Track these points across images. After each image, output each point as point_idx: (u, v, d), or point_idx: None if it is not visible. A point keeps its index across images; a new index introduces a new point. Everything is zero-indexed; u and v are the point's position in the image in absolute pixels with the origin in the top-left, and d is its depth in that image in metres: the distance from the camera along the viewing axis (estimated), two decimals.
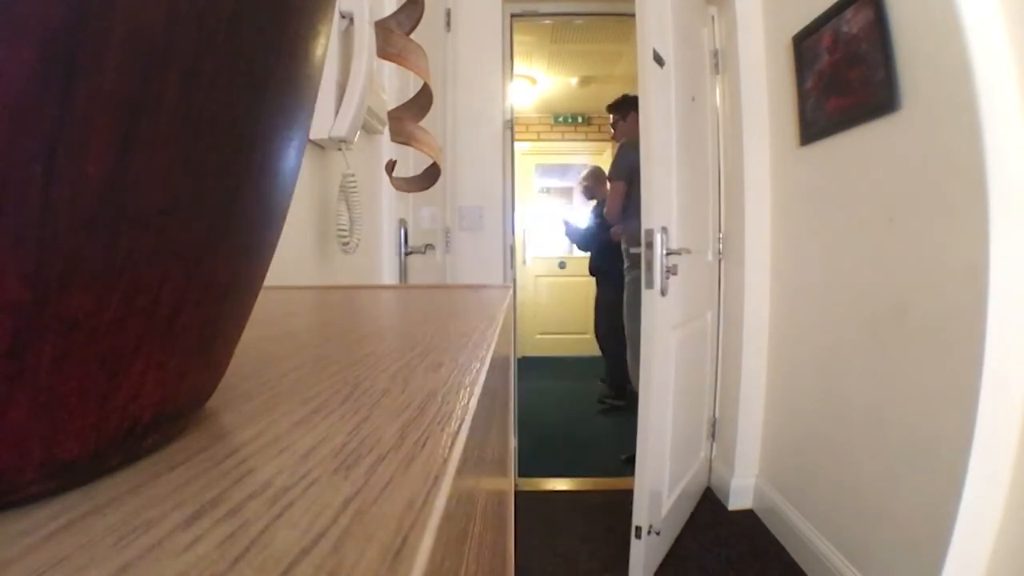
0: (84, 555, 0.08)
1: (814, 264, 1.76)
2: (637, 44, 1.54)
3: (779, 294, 1.99)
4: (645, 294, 1.54)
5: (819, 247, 1.73)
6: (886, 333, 1.41)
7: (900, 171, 1.37)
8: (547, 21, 2.76)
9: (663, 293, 1.53)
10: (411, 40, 0.30)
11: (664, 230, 1.51)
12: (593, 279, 3.24)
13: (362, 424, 0.14)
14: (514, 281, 2.18)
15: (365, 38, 0.83)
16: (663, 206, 1.59)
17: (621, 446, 2.25)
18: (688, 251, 1.76)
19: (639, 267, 1.76)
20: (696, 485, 2.09)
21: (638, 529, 1.54)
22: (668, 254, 1.55)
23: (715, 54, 2.20)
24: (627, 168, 2.43)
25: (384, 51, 0.30)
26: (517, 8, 2.22)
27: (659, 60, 1.55)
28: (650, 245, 1.52)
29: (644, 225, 1.53)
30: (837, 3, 1.54)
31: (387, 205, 1.26)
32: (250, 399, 0.17)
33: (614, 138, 2.76)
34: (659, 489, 1.68)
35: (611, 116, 2.75)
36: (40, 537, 0.09)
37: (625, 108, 2.65)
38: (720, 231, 2.24)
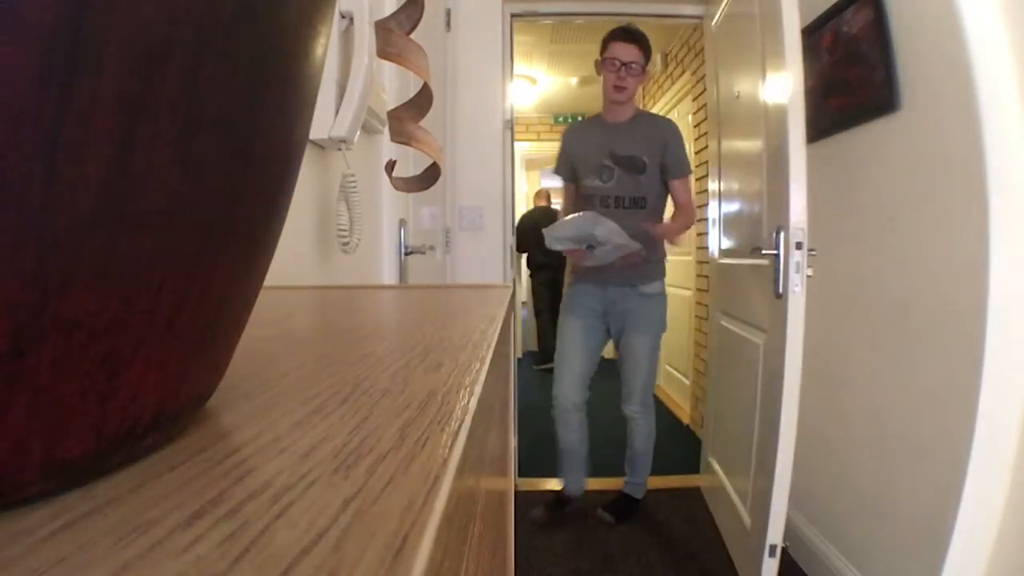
0: (84, 555, 0.08)
1: (814, 264, 1.76)
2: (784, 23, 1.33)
3: None
4: (789, 298, 1.38)
5: (819, 247, 1.73)
6: (886, 333, 1.41)
7: (900, 171, 1.37)
8: (547, 21, 2.75)
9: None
10: (411, 40, 0.30)
11: (802, 231, 1.36)
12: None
13: (362, 424, 0.14)
14: (514, 281, 2.18)
15: (365, 38, 0.83)
16: (799, 202, 1.38)
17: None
18: (814, 251, 1.48)
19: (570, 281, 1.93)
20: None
21: (772, 548, 1.38)
22: (811, 252, 1.38)
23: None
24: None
25: (384, 51, 0.30)
26: (517, 8, 2.23)
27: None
28: (799, 246, 1.35)
29: (779, 223, 1.39)
30: (837, 3, 1.54)
31: (387, 205, 1.26)
32: (250, 399, 0.17)
33: (628, 95, 1.81)
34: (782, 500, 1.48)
35: (638, 54, 1.77)
36: (40, 537, 0.09)
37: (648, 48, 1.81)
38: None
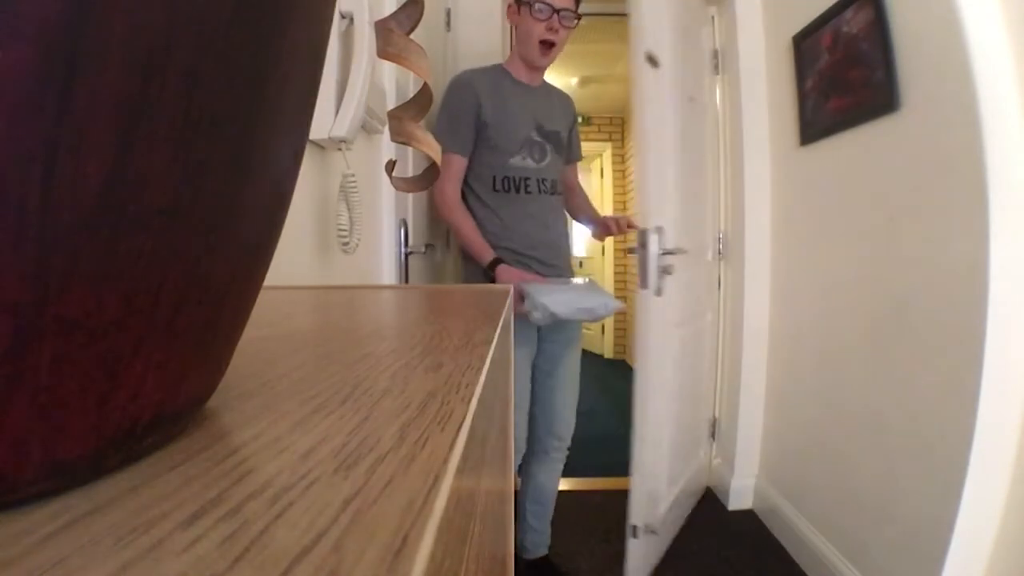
0: (84, 555, 0.08)
1: (814, 264, 1.76)
2: (630, 45, 1.51)
3: (779, 294, 1.99)
4: (641, 294, 1.54)
5: (819, 247, 1.73)
6: (886, 333, 1.41)
7: (900, 171, 1.37)
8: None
9: (658, 293, 1.53)
10: (411, 40, 0.30)
11: (659, 230, 1.51)
12: None
13: (362, 424, 0.14)
14: None
15: (365, 38, 0.83)
16: (659, 206, 1.58)
17: (621, 445, 2.25)
18: (684, 251, 1.75)
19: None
20: (696, 485, 2.09)
21: (634, 528, 1.53)
22: (663, 254, 1.54)
23: (715, 54, 2.20)
24: None
25: (384, 51, 0.30)
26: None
27: (653, 61, 1.53)
28: (644, 245, 1.50)
29: (640, 224, 1.52)
30: (837, 3, 1.54)
31: (387, 205, 1.26)
32: (250, 399, 0.17)
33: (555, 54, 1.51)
34: (657, 488, 1.67)
35: None
36: (40, 537, 0.09)
37: None
38: (720, 231, 2.24)
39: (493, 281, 1.44)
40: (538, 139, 1.51)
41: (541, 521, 1.66)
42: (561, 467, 1.66)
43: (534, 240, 1.50)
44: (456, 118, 1.44)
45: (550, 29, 1.43)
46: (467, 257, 1.54)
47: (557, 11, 1.41)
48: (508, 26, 2.22)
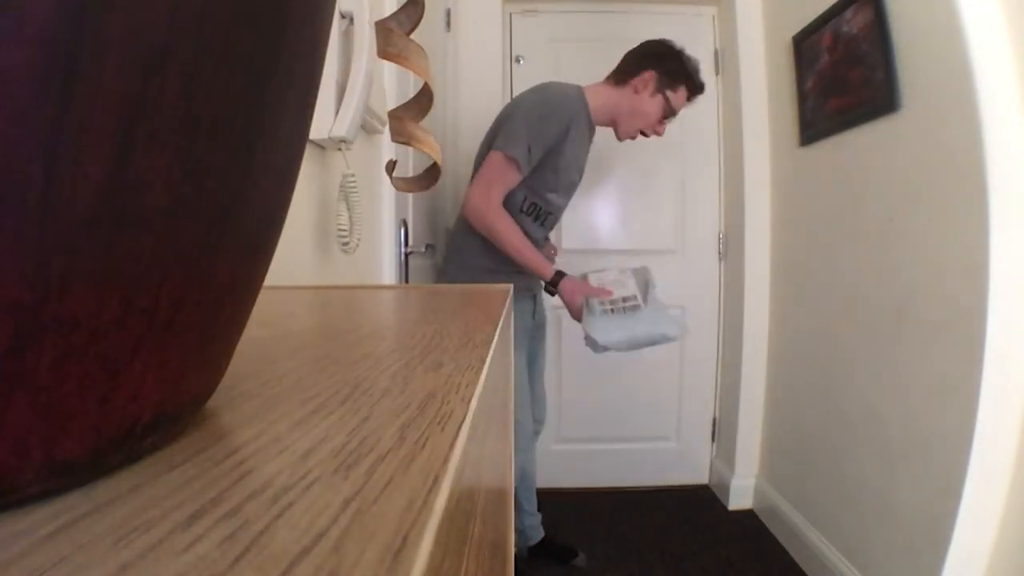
0: (84, 555, 0.08)
1: (814, 264, 1.76)
2: None
3: (779, 294, 1.99)
4: None
5: (819, 247, 1.73)
6: (886, 333, 1.41)
7: (900, 171, 1.37)
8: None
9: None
10: (411, 40, 0.30)
11: None
12: None
13: (362, 424, 0.14)
14: None
15: (365, 38, 0.83)
16: None
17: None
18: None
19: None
20: None
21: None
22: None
23: (715, 54, 2.20)
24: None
25: (384, 51, 0.30)
26: (517, 8, 2.22)
27: None
28: None
29: None
30: (837, 3, 1.54)
31: (387, 205, 1.26)
32: (250, 399, 0.17)
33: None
34: None
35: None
36: (40, 537, 0.09)
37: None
38: (720, 231, 2.24)
39: (553, 294, 1.43)
40: (576, 180, 1.52)
41: (531, 503, 1.68)
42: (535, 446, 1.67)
43: None
44: (538, 138, 1.37)
45: (660, 124, 1.45)
46: (460, 264, 1.51)
47: (675, 114, 1.45)
48: (508, 26, 2.22)
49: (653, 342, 1.31)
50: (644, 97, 1.43)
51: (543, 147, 1.38)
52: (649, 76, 1.43)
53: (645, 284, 1.36)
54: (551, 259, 1.58)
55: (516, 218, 1.43)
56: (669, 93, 1.43)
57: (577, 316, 1.38)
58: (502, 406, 0.36)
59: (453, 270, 1.53)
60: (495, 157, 1.38)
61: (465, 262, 1.50)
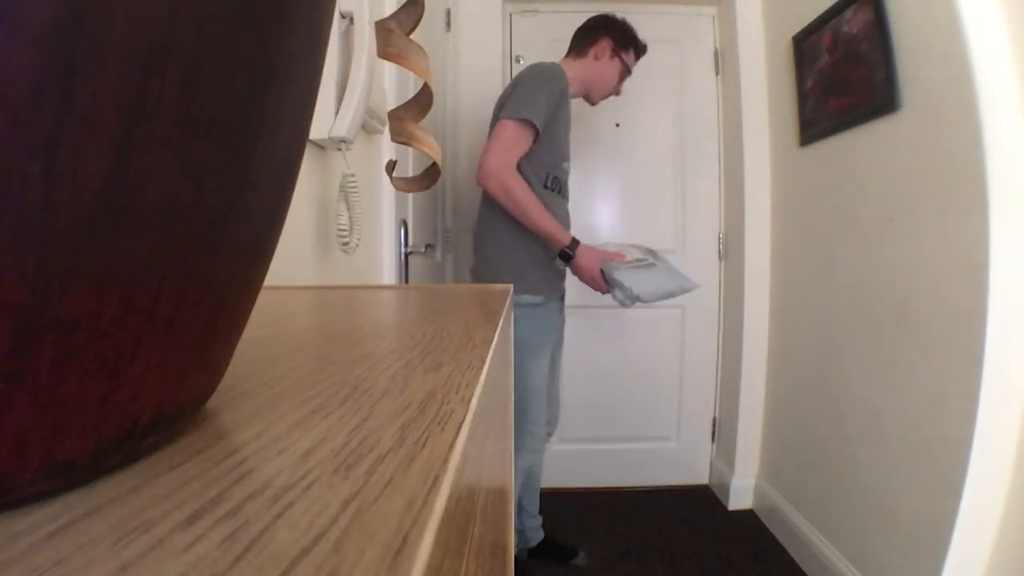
0: (84, 555, 0.08)
1: (814, 264, 1.76)
2: None
3: (779, 294, 1.99)
4: None
5: (819, 247, 1.73)
6: (886, 333, 1.41)
7: (900, 171, 1.37)
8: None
9: None
10: (411, 40, 0.30)
11: None
12: None
13: (362, 424, 0.14)
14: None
15: (365, 38, 0.83)
16: None
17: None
18: None
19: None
20: None
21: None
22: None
23: (715, 54, 2.20)
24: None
25: (384, 51, 0.30)
26: (517, 8, 2.22)
27: None
28: None
29: None
30: (837, 3, 1.54)
31: (387, 205, 1.26)
32: (250, 399, 0.17)
33: None
34: None
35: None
36: (40, 537, 0.09)
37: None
38: (720, 231, 2.24)
39: (567, 262, 1.44)
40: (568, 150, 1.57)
41: (534, 505, 1.69)
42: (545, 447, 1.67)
43: None
44: (545, 100, 1.39)
45: (619, 84, 1.60)
46: (497, 244, 1.48)
47: (630, 74, 1.61)
48: (508, 26, 2.22)
49: (675, 292, 1.40)
50: (604, 62, 1.56)
51: (550, 107, 1.41)
52: (605, 43, 1.55)
53: (647, 252, 1.46)
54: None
55: (541, 197, 1.43)
56: (623, 55, 1.57)
57: (591, 281, 1.42)
58: (502, 406, 0.36)
59: (490, 253, 1.51)
60: (506, 124, 1.39)
61: (502, 241, 1.48)
